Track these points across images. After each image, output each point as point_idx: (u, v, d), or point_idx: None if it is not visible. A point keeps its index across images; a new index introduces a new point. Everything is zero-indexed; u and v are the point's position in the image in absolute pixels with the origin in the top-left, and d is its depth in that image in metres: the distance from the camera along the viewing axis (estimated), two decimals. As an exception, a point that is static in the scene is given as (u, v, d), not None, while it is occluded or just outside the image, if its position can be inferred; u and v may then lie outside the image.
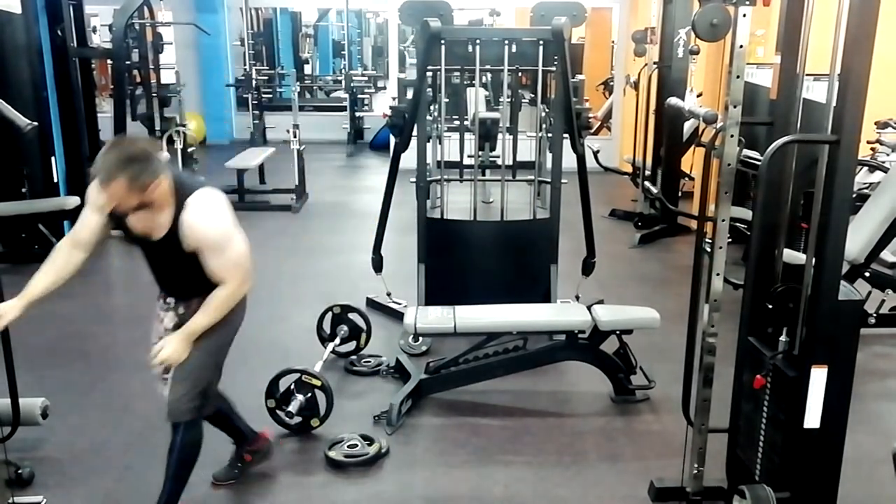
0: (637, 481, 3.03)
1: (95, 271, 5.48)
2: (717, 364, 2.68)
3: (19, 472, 2.98)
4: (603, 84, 10.72)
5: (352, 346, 4.18)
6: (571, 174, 4.40)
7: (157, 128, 7.96)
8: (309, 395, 3.36)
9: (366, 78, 12.01)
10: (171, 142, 7.51)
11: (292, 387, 3.36)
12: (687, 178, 7.45)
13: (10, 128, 3.80)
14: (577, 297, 4.50)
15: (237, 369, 3.77)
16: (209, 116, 11.28)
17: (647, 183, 7.03)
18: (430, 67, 4.26)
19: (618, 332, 3.68)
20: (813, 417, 2.35)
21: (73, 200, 5.52)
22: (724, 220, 2.56)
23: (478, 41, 4.22)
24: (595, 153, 7.77)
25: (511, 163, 5.69)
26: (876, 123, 5.75)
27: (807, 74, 2.54)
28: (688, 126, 6.98)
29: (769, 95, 2.90)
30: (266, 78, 12.12)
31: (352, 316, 4.19)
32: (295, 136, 7.41)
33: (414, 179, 4.54)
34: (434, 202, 5.75)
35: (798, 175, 2.58)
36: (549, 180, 4.63)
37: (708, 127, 4.31)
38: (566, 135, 4.31)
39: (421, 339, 4.22)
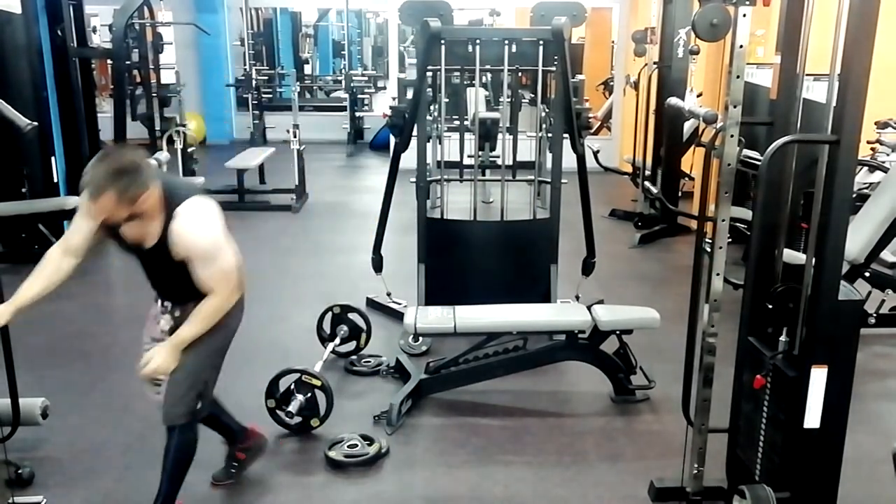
0: (637, 481, 3.03)
1: (95, 271, 5.48)
2: (717, 364, 2.68)
3: (19, 472, 2.98)
4: (603, 84, 10.72)
5: (352, 346, 4.18)
6: (571, 174, 4.40)
7: (157, 128, 7.98)
8: (309, 395, 3.36)
9: (366, 78, 12.01)
10: (171, 142, 7.51)
11: (292, 387, 3.36)
12: (687, 178, 7.45)
13: (10, 128, 3.79)
14: (577, 297, 4.50)
15: (237, 369, 3.78)
16: (209, 116, 11.28)
17: (647, 183, 7.02)
18: (430, 67, 4.26)
19: (618, 332, 3.68)
20: (813, 417, 2.35)
21: (73, 200, 5.52)
22: (724, 220, 2.56)
23: (478, 41, 4.22)
24: (595, 153, 7.77)
25: (511, 163, 5.69)
26: (876, 123, 5.75)
27: (807, 74, 2.54)
28: (688, 126, 6.98)
29: (769, 95, 2.90)
30: (266, 78, 12.12)
31: (352, 316, 4.19)
32: (295, 136, 7.41)
33: (414, 179, 4.54)
34: (434, 202, 5.75)
35: (798, 175, 2.58)
36: (549, 180, 4.63)
37: (708, 127, 4.31)
38: (566, 135, 4.31)
39: (421, 339, 4.22)
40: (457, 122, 6.51)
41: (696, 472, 2.78)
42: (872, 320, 4.38)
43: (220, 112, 11.38)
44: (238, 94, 11.50)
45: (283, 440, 3.37)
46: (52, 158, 5.88)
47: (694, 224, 5.69)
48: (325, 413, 3.37)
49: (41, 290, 2.49)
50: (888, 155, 5.81)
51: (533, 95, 6.81)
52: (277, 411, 3.39)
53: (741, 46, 2.46)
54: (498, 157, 5.55)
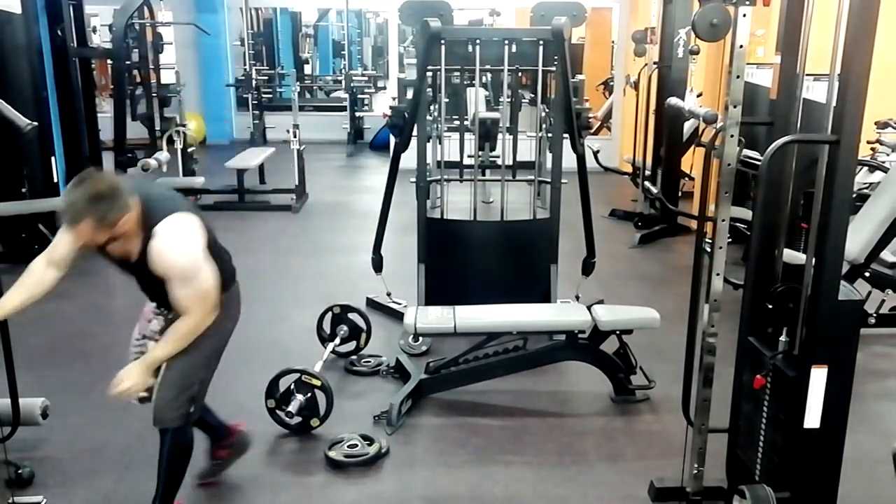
0: (637, 481, 3.03)
1: (95, 271, 5.47)
2: (717, 364, 2.68)
3: (19, 472, 2.98)
4: (603, 84, 10.71)
5: (352, 346, 4.18)
6: (571, 174, 4.40)
7: (157, 128, 7.98)
8: (309, 395, 3.36)
9: (366, 78, 12.01)
10: (171, 142, 7.51)
11: (292, 387, 3.36)
12: (687, 178, 7.45)
13: (10, 128, 3.79)
14: (577, 297, 4.50)
15: (237, 369, 3.78)
16: (209, 116, 11.28)
17: (647, 183, 7.02)
18: (430, 67, 4.26)
19: (618, 332, 3.68)
20: (813, 417, 2.35)
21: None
22: (724, 220, 2.56)
23: (478, 41, 4.22)
24: (595, 153, 7.77)
25: (511, 163, 5.69)
26: (876, 123, 5.74)
27: (807, 74, 2.54)
28: (688, 126, 6.98)
29: (769, 95, 2.90)
30: (266, 78, 12.13)
31: (352, 316, 4.19)
32: (295, 136, 7.41)
33: (414, 179, 4.54)
34: (434, 202, 5.74)
35: (798, 175, 2.58)
36: (549, 180, 4.63)
37: (708, 127, 4.33)
38: (566, 135, 4.31)
39: (421, 339, 4.22)
40: (457, 122, 6.51)
41: (696, 472, 2.78)
42: (872, 320, 4.38)
43: (220, 112, 11.37)
44: (238, 94, 11.50)
45: (283, 440, 3.37)
46: (52, 158, 5.87)
47: (694, 224, 5.69)
48: (325, 413, 3.37)
49: (23, 302, 2.51)
50: (888, 155, 5.81)
51: (533, 95, 6.81)
52: (277, 411, 3.39)
53: (741, 46, 2.46)
54: (498, 157, 5.54)
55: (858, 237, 4.26)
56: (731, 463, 2.76)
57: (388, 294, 4.74)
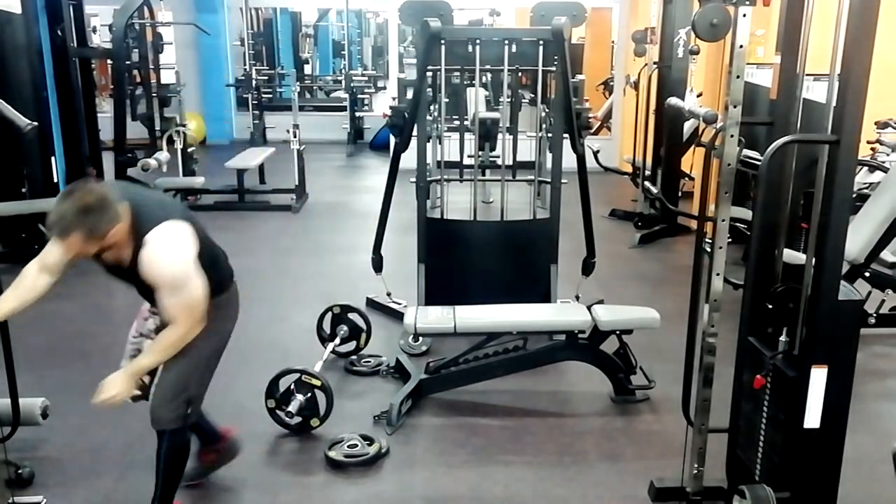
0: (637, 481, 3.03)
1: (96, 272, 5.46)
2: (717, 364, 2.68)
3: (19, 472, 2.98)
4: (603, 84, 10.71)
5: (352, 346, 4.18)
6: (571, 174, 4.40)
7: (157, 128, 7.97)
8: (309, 395, 3.36)
9: (366, 78, 12.01)
10: (171, 142, 7.51)
11: (292, 387, 3.36)
12: (687, 178, 7.45)
13: (10, 128, 3.79)
14: (577, 297, 4.50)
15: (237, 369, 3.78)
16: (209, 116, 11.28)
17: (647, 183, 7.02)
18: (430, 67, 4.26)
19: (618, 332, 3.68)
20: (813, 417, 2.35)
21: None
22: (724, 220, 2.56)
23: (478, 41, 4.22)
24: (595, 153, 7.77)
25: (511, 163, 5.69)
26: (876, 123, 5.75)
27: (807, 74, 2.54)
28: (688, 126, 6.98)
29: (769, 95, 2.91)
30: (266, 78, 12.13)
31: (352, 316, 4.19)
32: (295, 136, 7.41)
33: (414, 179, 4.54)
34: (434, 202, 5.75)
35: (798, 175, 2.58)
36: (549, 180, 4.63)
37: (708, 127, 4.33)
38: (566, 135, 4.31)
39: (421, 339, 4.22)
40: (457, 122, 6.51)
41: (696, 472, 2.78)
42: (872, 320, 4.38)
43: (220, 112, 11.37)
44: (238, 94, 11.50)
45: (283, 440, 3.37)
46: (52, 158, 5.87)
47: (694, 224, 5.69)
48: (325, 413, 3.37)
49: (15, 308, 2.51)
50: (888, 155, 5.81)
51: (533, 95, 6.80)
52: (277, 411, 3.39)
53: (741, 46, 2.46)
54: (498, 157, 5.54)
55: (858, 237, 4.26)
56: (731, 463, 2.76)
57: (388, 294, 4.74)
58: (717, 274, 2.60)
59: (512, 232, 4.57)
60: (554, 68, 4.26)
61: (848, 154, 2.19)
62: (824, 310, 2.29)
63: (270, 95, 12.23)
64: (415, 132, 4.38)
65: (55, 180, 5.89)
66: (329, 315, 4.21)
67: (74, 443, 3.31)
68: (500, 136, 5.04)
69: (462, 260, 4.48)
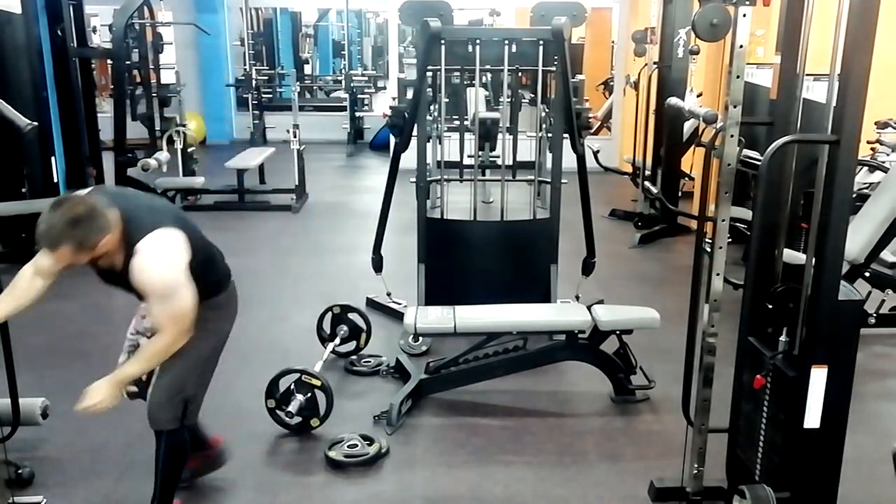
0: (637, 481, 3.03)
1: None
2: (717, 364, 2.68)
3: (19, 472, 2.98)
4: (603, 84, 10.71)
5: (352, 346, 4.18)
6: (571, 174, 4.40)
7: (157, 128, 7.97)
8: (309, 395, 3.36)
9: (366, 78, 12.01)
10: (171, 142, 7.51)
11: (292, 387, 3.36)
12: (687, 178, 7.45)
13: (10, 128, 3.79)
14: (577, 297, 4.50)
15: (237, 369, 3.78)
16: (209, 116, 11.28)
17: (647, 183, 7.02)
18: (430, 67, 4.26)
19: (618, 332, 3.68)
20: (813, 417, 2.35)
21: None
22: (724, 220, 2.56)
23: (478, 41, 4.22)
24: (595, 153, 7.77)
25: (511, 163, 5.69)
26: (876, 123, 5.74)
27: (807, 74, 2.54)
28: (688, 126, 6.98)
29: (769, 95, 2.90)
30: (266, 78, 12.13)
31: (352, 316, 4.19)
32: (295, 136, 7.41)
33: (414, 179, 4.54)
34: (434, 202, 5.75)
35: (798, 175, 2.58)
36: (549, 180, 4.63)
37: (708, 127, 4.33)
38: (566, 135, 4.31)
39: (421, 339, 4.22)
40: (457, 122, 6.51)
41: (696, 472, 2.78)
42: (872, 320, 4.38)
43: (220, 112, 11.38)
44: (238, 94, 11.50)
45: (283, 440, 3.37)
46: (52, 158, 5.87)
47: (694, 224, 5.69)
48: (325, 413, 3.37)
49: (10, 312, 2.51)
50: (888, 155, 5.81)
51: (533, 95, 6.80)
52: (277, 411, 3.38)
53: (741, 46, 2.46)
54: (498, 157, 5.55)
55: (858, 237, 4.26)
56: (731, 463, 2.76)
57: (388, 294, 4.74)
58: (717, 274, 2.60)
59: (512, 232, 4.57)
60: (554, 68, 4.26)
61: (848, 154, 2.19)
62: (824, 310, 2.29)
63: (270, 95, 12.24)
64: (415, 132, 4.38)
65: (55, 180, 5.89)
66: (329, 315, 4.21)
67: (74, 443, 3.31)
68: (500, 136, 5.04)
69: (462, 260, 4.48)
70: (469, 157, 5.73)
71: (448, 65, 4.28)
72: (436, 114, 5.56)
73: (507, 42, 4.22)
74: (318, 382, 3.36)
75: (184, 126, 7.70)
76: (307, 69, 14.67)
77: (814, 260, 2.34)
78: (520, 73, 5.96)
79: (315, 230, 6.94)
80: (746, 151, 4.26)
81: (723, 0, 2.48)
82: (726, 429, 2.76)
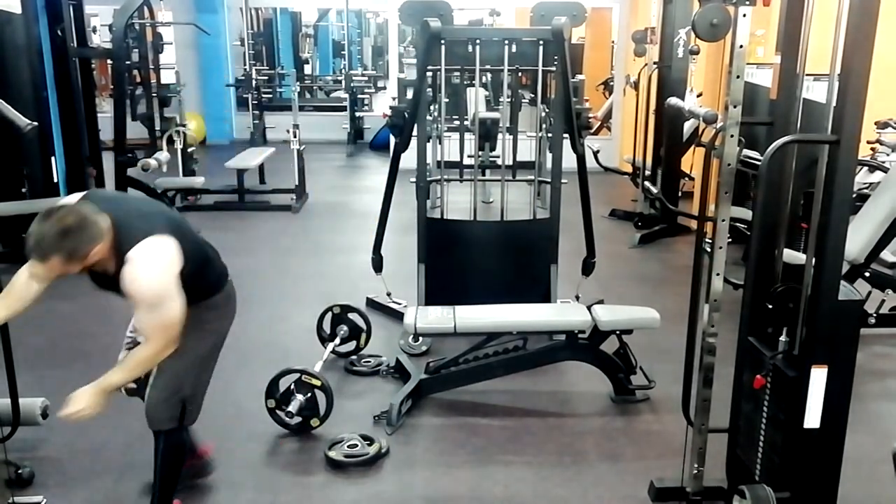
0: (637, 481, 3.03)
1: (95, 271, 5.48)
2: (717, 364, 2.68)
3: (19, 472, 2.98)
4: (603, 84, 10.72)
5: (352, 346, 4.18)
6: (571, 174, 4.40)
7: (157, 128, 7.98)
8: (309, 395, 3.36)
9: (366, 78, 12.01)
10: (171, 142, 7.51)
11: (292, 387, 3.36)
12: (687, 178, 7.45)
13: (10, 128, 3.79)
14: (577, 297, 4.50)
15: (237, 369, 3.78)
16: (209, 116, 11.28)
17: (647, 183, 7.02)
18: (430, 67, 4.26)
19: (618, 332, 3.68)
20: (813, 417, 2.35)
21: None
22: (724, 220, 2.56)
23: (478, 41, 4.22)
24: (595, 153, 7.77)
25: (511, 163, 5.69)
26: (876, 123, 5.75)
27: (807, 74, 2.54)
28: (688, 126, 6.98)
29: (769, 95, 2.90)
30: (266, 78, 12.13)
31: (352, 316, 4.19)
32: (295, 136, 7.41)
33: (414, 179, 4.54)
34: (434, 202, 5.75)
35: (798, 175, 2.58)
36: (549, 180, 4.63)
37: (708, 127, 4.33)
38: (566, 135, 4.31)
39: (421, 339, 4.22)
40: (457, 122, 6.51)
41: (696, 472, 2.78)
42: (872, 320, 4.38)
43: (220, 112, 11.38)
44: (238, 94, 11.50)
45: (283, 440, 3.37)
46: (52, 158, 5.87)
47: (694, 224, 5.69)
48: (325, 413, 3.37)
49: (6, 316, 2.51)
50: (888, 155, 5.81)
51: (533, 95, 6.81)
52: (277, 411, 3.38)
53: (741, 46, 2.46)
54: (498, 157, 5.55)
55: (858, 237, 4.26)
56: (731, 463, 2.76)
57: (388, 294, 4.74)
58: (717, 274, 2.60)
59: (512, 232, 4.57)
60: (554, 68, 4.26)
61: (848, 154, 2.19)
62: (824, 310, 2.29)
63: (270, 95, 12.24)
64: (415, 132, 4.38)
65: (55, 180, 5.89)
66: (329, 315, 4.21)
67: (74, 443, 3.30)
68: (500, 136, 5.04)
69: (462, 260, 4.48)
70: (469, 157, 5.73)
71: (448, 65, 4.28)
72: (436, 114, 5.56)
73: (507, 42, 4.22)
74: (318, 382, 3.36)
75: (184, 126, 7.70)
76: (307, 69, 14.67)
77: (814, 260, 2.34)
78: (520, 73, 5.97)
79: (315, 230, 6.94)
80: (746, 151, 4.26)
81: (723, 0, 2.48)
82: (726, 429, 2.76)
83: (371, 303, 4.84)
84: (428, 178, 4.72)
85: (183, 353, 2.48)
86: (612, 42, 11.16)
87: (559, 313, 3.97)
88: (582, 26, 10.10)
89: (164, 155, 7.03)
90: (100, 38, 10.61)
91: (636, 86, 7.56)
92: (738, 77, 2.46)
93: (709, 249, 2.62)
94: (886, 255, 4.56)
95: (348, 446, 3.23)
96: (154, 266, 2.31)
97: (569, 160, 4.37)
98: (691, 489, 2.81)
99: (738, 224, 5.01)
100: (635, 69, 7.87)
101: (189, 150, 7.84)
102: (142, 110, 8.22)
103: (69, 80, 6.10)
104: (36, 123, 4.03)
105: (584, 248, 4.57)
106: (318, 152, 10.00)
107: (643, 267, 5.97)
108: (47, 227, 2.19)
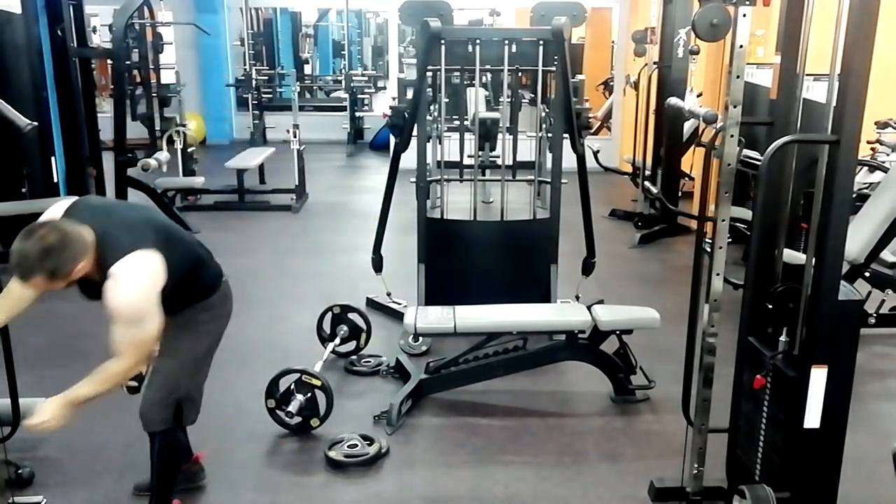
0: (637, 481, 3.03)
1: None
2: (717, 364, 2.68)
3: (19, 472, 2.98)
4: (603, 84, 10.72)
5: (352, 346, 4.18)
6: (571, 174, 4.40)
7: (157, 128, 7.98)
8: (309, 395, 3.36)
9: (366, 78, 12.01)
10: (171, 142, 7.51)
11: (292, 387, 3.36)
12: (687, 178, 7.45)
13: (10, 128, 3.79)
14: (577, 297, 4.50)
15: (236, 369, 3.78)
16: (209, 116, 11.28)
17: (647, 183, 7.02)
18: (430, 67, 4.26)
19: (618, 332, 3.68)
20: (813, 417, 2.35)
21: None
22: (724, 220, 2.56)
23: (478, 41, 4.22)
24: (595, 153, 7.77)
25: (511, 163, 5.69)
26: (876, 123, 5.75)
27: (807, 74, 2.54)
28: (688, 126, 6.98)
29: (769, 95, 2.90)
30: (266, 78, 12.12)
31: (352, 316, 4.19)
32: (295, 136, 7.41)
33: (414, 179, 4.54)
34: (434, 202, 5.75)
35: (798, 175, 2.58)
36: (549, 180, 4.63)
37: (708, 127, 4.33)
38: (566, 135, 4.31)
39: (421, 339, 4.22)
40: (457, 122, 6.51)
41: (696, 472, 2.78)
42: (872, 320, 4.38)
43: (220, 112, 11.37)
44: (238, 94, 11.50)
45: (283, 440, 3.37)
46: (52, 158, 5.87)
47: (694, 224, 5.69)
48: (325, 413, 3.37)
49: (4, 320, 2.50)
50: (888, 155, 5.81)
51: (533, 95, 6.81)
52: (277, 411, 3.38)
53: (741, 46, 2.46)
54: (498, 157, 5.55)
55: (858, 237, 4.26)
56: (731, 463, 2.76)
57: (388, 294, 4.74)
58: (717, 274, 2.60)
59: (512, 232, 4.57)
60: (554, 68, 4.26)
61: (848, 154, 2.19)
62: (824, 310, 2.29)
63: (270, 95, 12.23)
64: (415, 132, 4.38)
65: (55, 180, 5.89)
66: (329, 315, 4.21)
67: (74, 443, 3.30)
68: (500, 136, 5.04)
69: (462, 260, 4.48)
70: (469, 157, 5.73)
71: (448, 65, 4.28)
72: (436, 114, 5.56)
73: (507, 42, 4.22)
74: (318, 382, 3.36)
75: (184, 126, 7.70)
76: (307, 69, 14.67)
77: (814, 260, 2.34)
78: (520, 73, 5.97)
79: (315, 230, 6.94)
80: (746, 151, 4.26)
81: (723, 0, 2.48)
82: (726, 429, 2.76)
83: (371, 303, 4.84)
84: (428, 178, 4.72)
85: (179, 354, 2.47)
86: (612, 42, 11.16)
87: (559, 313, 3.97)
88: (582, 26, 10.10)
89: (164, 155, 7.03)
90: (100, 38, 10.61)
91: (636, 86, 7.56)
92: (738, 77, 2.46)
93: (709, 249, 2.62)
94: (886, 255, 4.56)
95: (348, 446, 3.23)
96: (135, 283, 2.27)
97: (569, 160, 4.37)
98: (691, 489, 2.81)
99: (738, 224, 5.01)
100: (635, 69, 7.87)
101: (189, 150, 7.83)
102: (142, 110, 8.22)
103: (69, 80, 6.10)
104: (36, 123, 4.03)
105: (584, 248, 4.57)
106: (318, 152, 10.00)
107: (643, 267, 5.97)
108: (29, 246, 2.15)
